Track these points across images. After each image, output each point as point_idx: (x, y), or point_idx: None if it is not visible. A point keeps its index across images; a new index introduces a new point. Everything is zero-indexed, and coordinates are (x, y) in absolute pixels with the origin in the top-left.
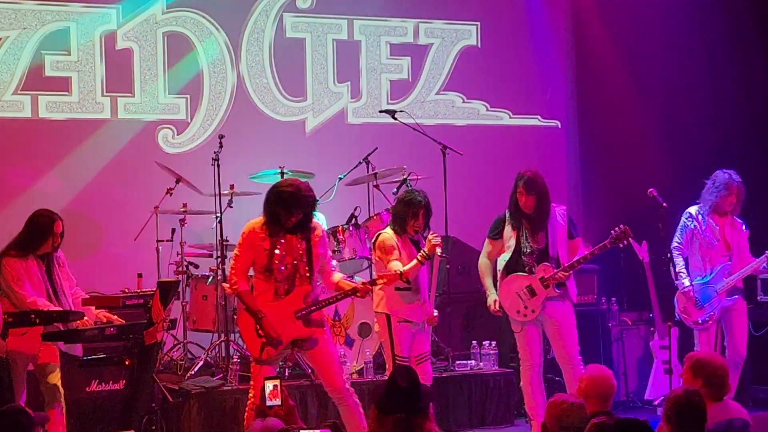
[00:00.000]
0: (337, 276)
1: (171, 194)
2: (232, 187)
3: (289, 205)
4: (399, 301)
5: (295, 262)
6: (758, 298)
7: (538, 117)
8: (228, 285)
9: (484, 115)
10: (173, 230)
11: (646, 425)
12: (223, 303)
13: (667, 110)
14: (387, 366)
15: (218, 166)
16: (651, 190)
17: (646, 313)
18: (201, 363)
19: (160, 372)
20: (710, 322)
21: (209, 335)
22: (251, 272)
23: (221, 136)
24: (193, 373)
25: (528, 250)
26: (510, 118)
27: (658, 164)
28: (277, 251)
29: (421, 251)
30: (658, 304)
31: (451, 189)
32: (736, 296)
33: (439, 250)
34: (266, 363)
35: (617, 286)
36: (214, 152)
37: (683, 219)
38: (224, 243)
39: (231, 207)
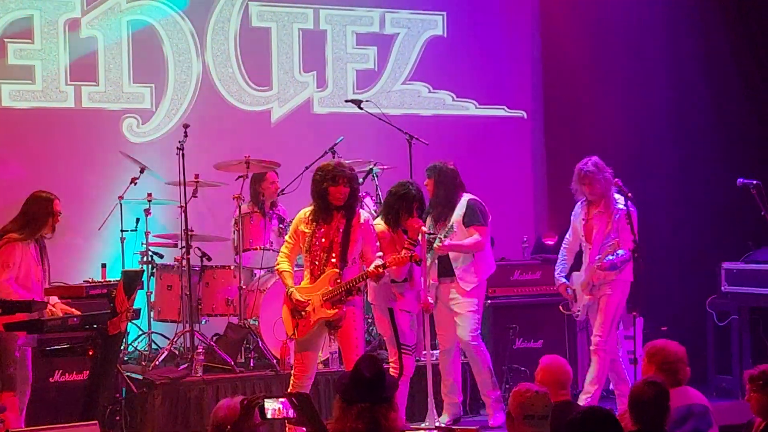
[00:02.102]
0: (376, 263)
1: (135, 184)
2: (196, 176)
3: (333, 175)
4: (396, 293)
5: (331, 244)
6: (722, 288)
7: (504, 107)
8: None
9: (451, 106)
10: (138, 220)
11: (610, 414)
12: (188, 293)
13: (633, 101)
14: (389, 357)
15: (183, 155)
16: (616, 180)
17: None
18: (165, 353)
19: (124, 362)
20: (581, 315)
21: (174, 325)
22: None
23: (186, 126)
24: (157, 363)
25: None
26: (476, 108)
27: (624, 155)
28: (317, 233)
29: (407, 239)
30: None
31: (417, 179)
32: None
33: (425, 229)
34: (305, 347)
35: None
36: (179, 142)
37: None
38: (189, 233)
39: (195, 197)
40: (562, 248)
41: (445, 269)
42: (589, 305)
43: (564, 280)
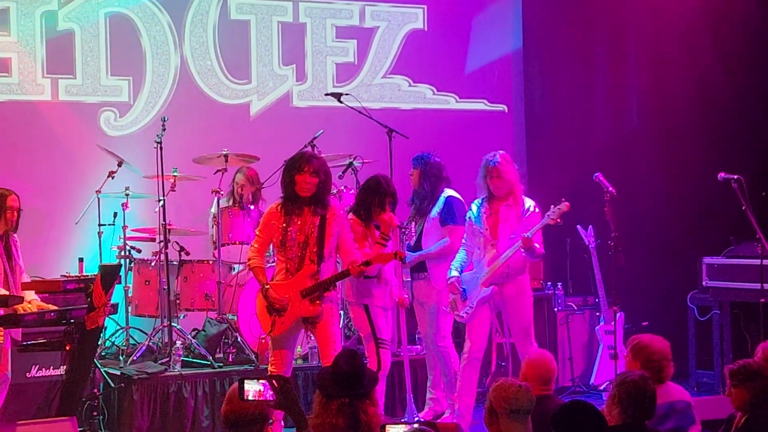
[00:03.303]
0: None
1: (113, 177)
2: (175, 170)
3: (299, 164)
4: (369, 290)
5: (307, 239)
6: (703, 283)
7: (485, 101)
8: (247, 262)
9: (431, 99)
10: (115, 214)
11: (593, 407)
12: (166, 288)
13: (615, 94)
14: (368, 355)
15: (161, 149)
16: (597, 174)
17: (591, 298)
18: (143, 348)
19: (101, 358)
20: (471, 314)
21: (152, 321)
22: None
23: (164, 119)
24: (135, 358)
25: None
26: (457, 102)
27: (605, 149)
28: (290, 228)
29: (379, 234)
30: (604, 289)
31: (397, 173)
32: (493, 287)
33: (397, 224)
34: (281, 345)
35: (563, 270)
36: (157, 135)
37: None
38: (167, 227)
39: (174, 191)
40: (462, 247)
41: (418, 265)
42: (488, 298)
43: (457, 274)
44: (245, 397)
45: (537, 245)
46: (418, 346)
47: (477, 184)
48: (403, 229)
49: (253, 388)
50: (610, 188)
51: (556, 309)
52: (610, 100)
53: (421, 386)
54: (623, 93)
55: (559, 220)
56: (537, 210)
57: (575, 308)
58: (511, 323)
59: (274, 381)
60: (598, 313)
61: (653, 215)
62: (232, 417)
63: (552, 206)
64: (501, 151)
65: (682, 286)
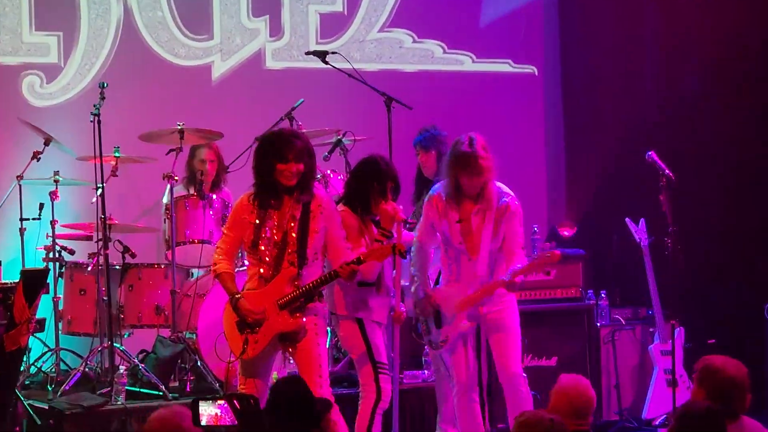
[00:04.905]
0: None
1: (39, 159)
2: (116, 150)
3: (279, 149)
4: (365, 301)
5: (285, 237)
6: None
7: (509, 62)
8: (211, 267)
9: (441, 59)
10: (41, 205)
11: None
12: (107, 299)
13: (670, 54)
14: (363, 383)
15: (99, 123)
16: (650, 153)
17: (643, 309)
18: (77, 376)
19: (24, 387)
20: (447, 344)
21: (88, 340)
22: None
23: (103, 85)
24: (67, 388)
25: None
26: (473, 62)
27: (660, 121)
28: (265, 225)
29: (379, 230)
30: (660, 298)
31: (398, 152)
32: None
33: (402, 216)
34: (254, 371)
35: (608, 275)
36: (94, 106)
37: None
38: (107, 222)
39: (116, 176)
40: (414, 251)
41: None
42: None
43: (427, 291)
44: (200, 423)
45: (518, 281)
46: (425, 371)
47: (438, 173)
48: (409, 225)
49: (208, 412)
50: (667, 171)
51: (599, 324)
52: (664, 60)
53: (429, 420)
54: (684, 47)
55: (546, 270)
56: (513, 208)
57: (623, 323)
58: (493, 345)
59: (236, 401)
60: (652, 329)
61: (722, 205)
62: None
63: (538, 249)
64: (474, 134)
65: (759, 294)
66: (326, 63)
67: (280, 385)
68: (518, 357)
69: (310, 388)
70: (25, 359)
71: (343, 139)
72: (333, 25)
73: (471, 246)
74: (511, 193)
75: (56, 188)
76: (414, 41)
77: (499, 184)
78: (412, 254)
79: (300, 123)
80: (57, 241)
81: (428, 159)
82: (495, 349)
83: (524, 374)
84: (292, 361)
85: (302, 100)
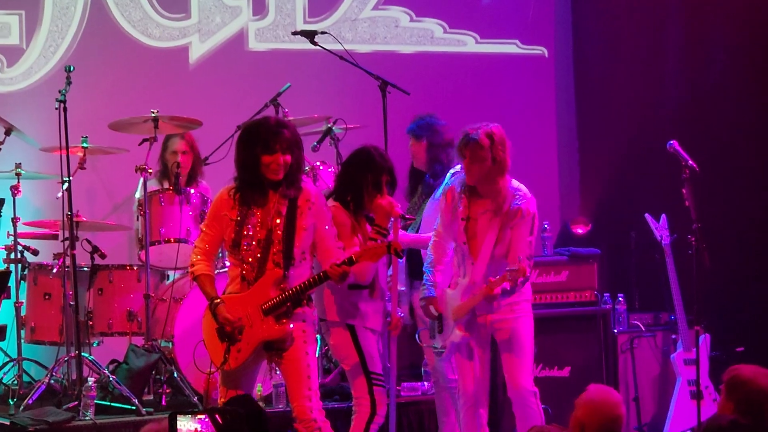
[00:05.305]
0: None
1: None
2: (84, 140)
3: (265, 140)
4: (357, 305)
5: (270, 235)
6: None
7: (517, 42)
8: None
9: (441, 40)
10: (2, 201)
11: None
12: (74, 304)
13: (694, 34)
14: (356, 396)
15: (65, 110)
16: (672, 142)
17: (665, 314)
18: (42, 388)
19: None
20: (448, 352)
21: (54, 349)
22: None
23: (69, 69)
24: (31, 402)
25: None
26: (476, 43)
27: (682, 107)
28: (248, 222)
29: (374, 227)
30: (683, 302)
31: (393, 142)
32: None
33: (398, 212)
34: (237, 383)
35: (626, 277)
36: (60, 92)
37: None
38: (74, 219)
39: (83, 168)
40: (431, 244)
41: (417, 270)
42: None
43: (433, 291)
44: None
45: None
46: (424, 383)
47: (428, 165)
48: (406, 221)
49: (187, 427)
50: (690, 161)
51: (616, 330)
52: (690, 37)
53: None
54: (710, 26)
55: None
56: (524, 212)
57: (643, 329)
58: (503, 357)
59: (218, 416)
60: (674, 336)
61: (750, 199)
62: None
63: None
64: (492, 124)
65: None
66: (315, 44)
67: (234, 402)
68: (529, 371)
69: (298, 401)
70: None
71: (333, 128)
72: (322, 2)
73: (474, 248)
74: (528, 195)
75: (18, 182)
76: (412, 20)
77: (516, 183)
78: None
79: (286, 110)
80: (19, 240)
81: (418, 149)
82: (505, 361)
83: (535, 389)
84: (278, 372)
85: (289, 84)
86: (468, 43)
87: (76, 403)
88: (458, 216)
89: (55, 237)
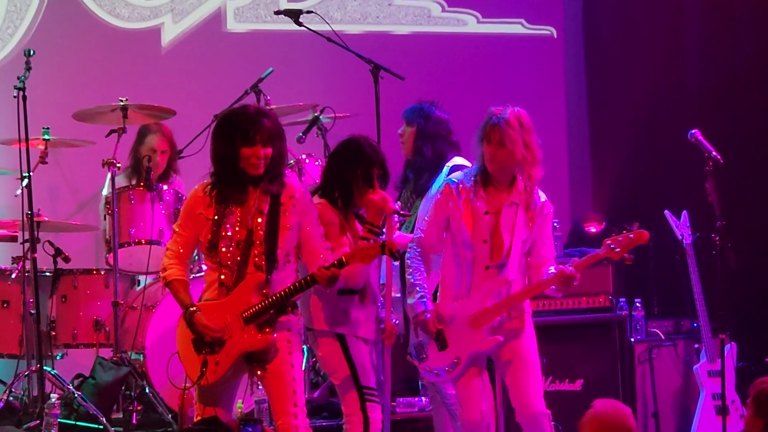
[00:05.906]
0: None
1: None
2: (46, 132)
3: (245, 131)
4: (347, 312)
5: (250, 235)
6: None
7: (522, 21)
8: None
9: (439, 19)
10: None
11: None
12: (34, 312)
13: (718, 13)
14: (347, 413)
15: (25, 98)
16: (693, 132)
17: (687, 321)
18: (1, 405)
19: None
20: (454, 372)
21: (13, 363)
22: None
23: (29, 53)
24: None
25: None
26: (478, 23)
27: (704, 92)
28: (226, 222)
29: (365, 225)
30: (706, 308)
31: (386, 131)
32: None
33: (393, 206)
34: (215, 399)
35: (644, 280)
36: (19, 78)
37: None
38: (34, 219)
39: (45, 163)
40: (411, 251)
41: None
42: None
43: (430, 304)
44: None
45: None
46: (422, 398)
47: (415, 153)
48: (401, 218)
49: None
50: (714, 153)
51: (633, 339)
52: (713, 16)
53: None
54: (735, 3)
55: (626, 256)
56: (547, 209)
57: (663, 337)
58: (508, 376)
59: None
60: (697, 345)
61: None
62: None
63: (613, 232)
64: (518, 108)
65: None
66: (300, 24)
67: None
68: (540, 390)
69: (283, 418)
70: None
71: (320, 117)
72: None
73: (498, 246)
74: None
75: None
76: None
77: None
78: (408, 257)
79: (268, 98)
80: None
81: (407, 134)
82: (511, 381)
83: (548, 411)
84: (260, 387)
85: (271, 69)
86: (469, 23)
87: (38, 422)
88: (478, 212)
89: (14, 239)
